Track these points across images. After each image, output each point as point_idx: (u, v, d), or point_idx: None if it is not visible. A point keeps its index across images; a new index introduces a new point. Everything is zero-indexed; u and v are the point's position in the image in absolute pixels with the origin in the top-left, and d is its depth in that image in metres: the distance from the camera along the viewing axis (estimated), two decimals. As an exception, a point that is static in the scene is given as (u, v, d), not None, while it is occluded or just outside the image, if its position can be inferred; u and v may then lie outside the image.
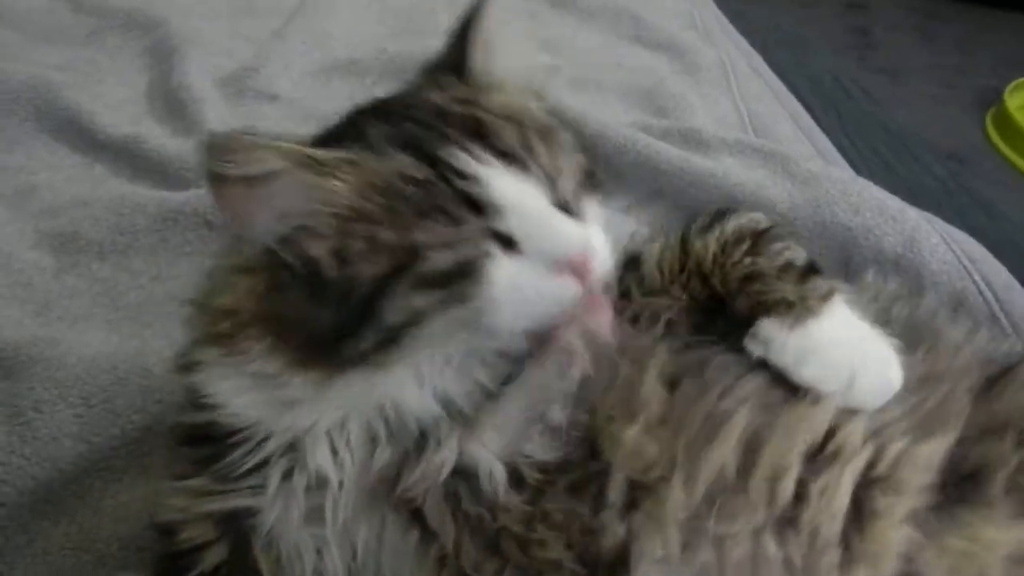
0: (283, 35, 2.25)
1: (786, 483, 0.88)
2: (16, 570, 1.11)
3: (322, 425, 0.91)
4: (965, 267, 1.42)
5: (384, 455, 0.90)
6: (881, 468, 0.90)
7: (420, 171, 0.85)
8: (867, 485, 0.90)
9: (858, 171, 1.88)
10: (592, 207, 0.93)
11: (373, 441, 0.91)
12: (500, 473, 0.89)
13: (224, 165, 0.82)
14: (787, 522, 0.88)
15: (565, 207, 0.89)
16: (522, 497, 0.89)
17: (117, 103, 1.98)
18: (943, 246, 1.44)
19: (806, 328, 0.91)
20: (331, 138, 0.95)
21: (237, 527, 0.93)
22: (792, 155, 1.68)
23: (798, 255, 0.98)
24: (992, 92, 4.17)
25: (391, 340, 0.85)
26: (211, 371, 0.94)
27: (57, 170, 1.78)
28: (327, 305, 0.85)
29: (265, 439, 0.91)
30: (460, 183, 0.84)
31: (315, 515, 0.91)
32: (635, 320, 0.98)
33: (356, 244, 0.84)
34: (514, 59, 1.02)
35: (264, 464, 0.92)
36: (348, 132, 0.94)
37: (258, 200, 0.85)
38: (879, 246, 1.44)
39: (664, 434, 0.89)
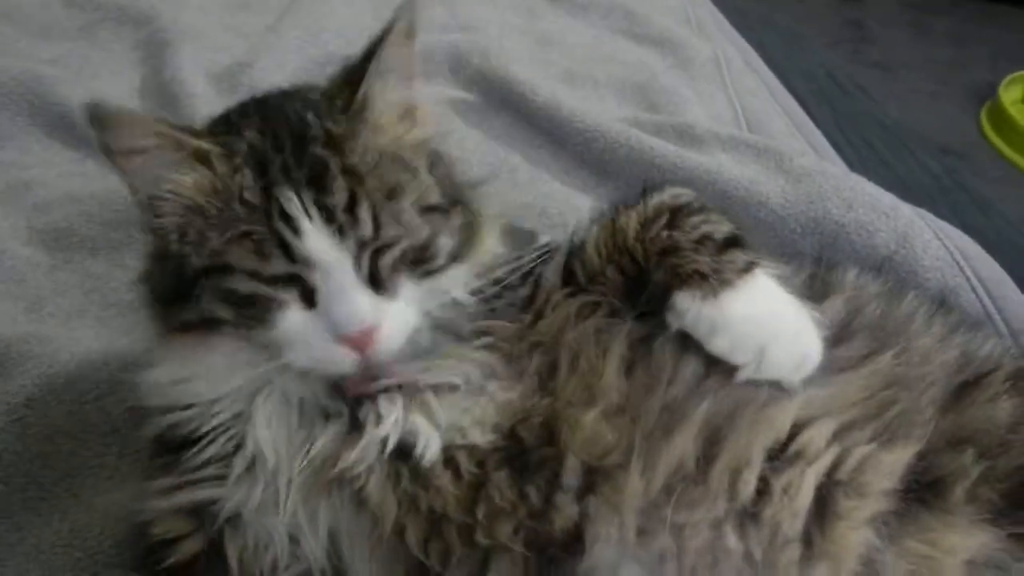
0: (277, 29, 2.24)
1: (747, 477, 0.89)
2: (7, 567, 1.10)
3: (233, 398, 0.98)
4: (958, 263, 1.42)
5: (320, 434, 0.95)
6: (844, 471, 0.91)
7: (255, 195, 0.89)
8: (830, 486, 0.91)
9: (852, 167, 1.89)
10: (407, 284, 0.94)
11: (299, 420, 0.97)
12: (434, 450, 0.92)
13: (107, 136, 0.91)
14: (748, 516, 0.89)
15: (374, 279, 0.91)
16: (458, 483, 0.91)
17: (111, 98, 1.94)
18: (936, 242, 1.44)
19: (718, 300, 0.92)
20: (221, 121, 1.01)
21: (210, 519, 0.97)
22: (786, 151, 1.68)
23: (717, 229, 0.98)
24: (987, 87, 4.17)
25: (210, 324, 0.93)
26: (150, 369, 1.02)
27: (50, 166, 1.77)
28: (169, 272, 0.94)
29: (208, 430, 0.97)
30: (280, 225, 0.88)
31: (271, 500, 0.95)
32: (595, 306, 1.00)
33: (191, 232, 0.92)
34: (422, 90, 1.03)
35: (221, 457, 0.97)
36: (235, 119, 1.00)
37: (133, 169, 0.93)
38: (872, 242, 1.45)
39: (622, 422, 0.91)
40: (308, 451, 0.94)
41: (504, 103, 1.95)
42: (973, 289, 1.41)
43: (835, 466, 0.91)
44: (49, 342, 1.33)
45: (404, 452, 0.92)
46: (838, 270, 1.14)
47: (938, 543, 0.90)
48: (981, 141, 4.00)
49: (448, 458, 0.92)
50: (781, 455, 0.91)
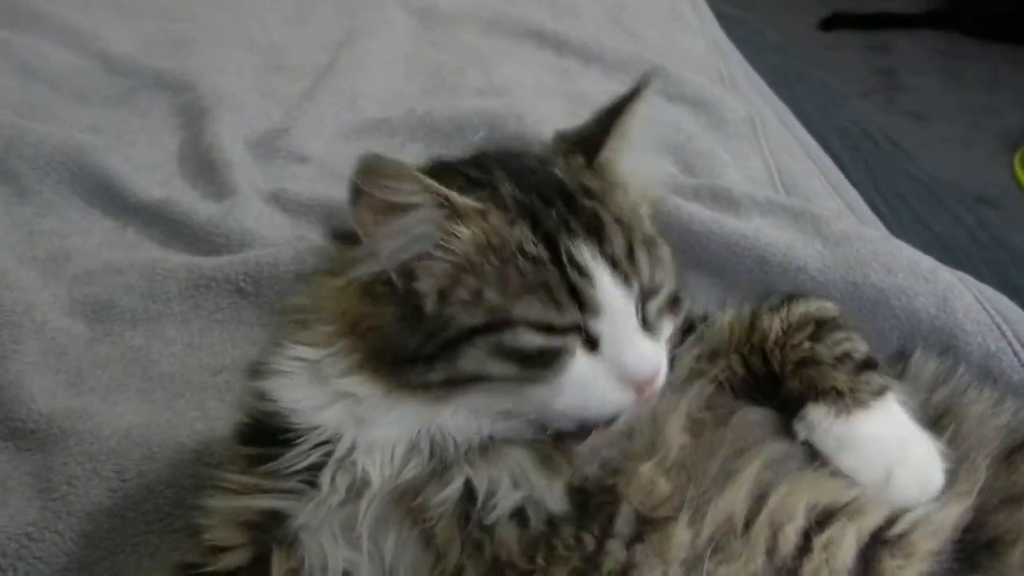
0: (313, 95, 2.26)
1: (788, 532, 0.88)
2: (51, 649, 1.11)
3: (379, 437, 0.95)
4: (999, 327, 1.40)
5: (413, 470, 0.94)
6: (894, 530, 0.90)
7: (538, 249, 0.89)
8: (875, 545, 0.89)
9: (888, 224, 1.88)
10: (668, 327, 0.98)
11: (409, 456, 0.95)
12: (507, 507, 0.91)
13: (370, 185, 0.88)
14: (787, 571, 0.87)
15: (648, 324, 0.93)
16: (524, 536, 0.90)
17: (149, 165, 2.00)
18: (976, 306, 1.42)
19: (852, 419, 0.94)
20: (460, 174, 0.99)
21: (265, 536, 0.96)
22: (823, 214, 1.67)
23: (858, 348, 1.00)
24: (1020, 132, 4.15)
25: (457, 382, 0.91)
26: (281, 374, 0.99)
27: (90, 234, 1.79)
28: (414, 331, 0.91)
29: (322, 443, 0.96)
30: (573, 273, 0.88)
31: (348, 524, 0.94)
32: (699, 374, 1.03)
33: (461, 292, 0.91)
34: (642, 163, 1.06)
35: (313, 468, 0.95)
36: (477, 176, 0.99)
37: (390, 224, 0.90)
38: (912, 307, 1.43)
39: (679, 477, 0.91)
40: (398, 477, 0.94)
41: (540, 167, 1.93)
42: (1016, 353, 1.38)
43: (884, 525, 0.90)
44: (90, 418, 1.33)
45: (474, 498, 0.92)
46: (917, 361, 1.16)
47: None
48: (1014, 187, 3.98)
49: (517, 510, 0.91)
50: (828, 511, 0.90)
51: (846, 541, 0.88)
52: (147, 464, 1.28)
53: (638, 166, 1.86)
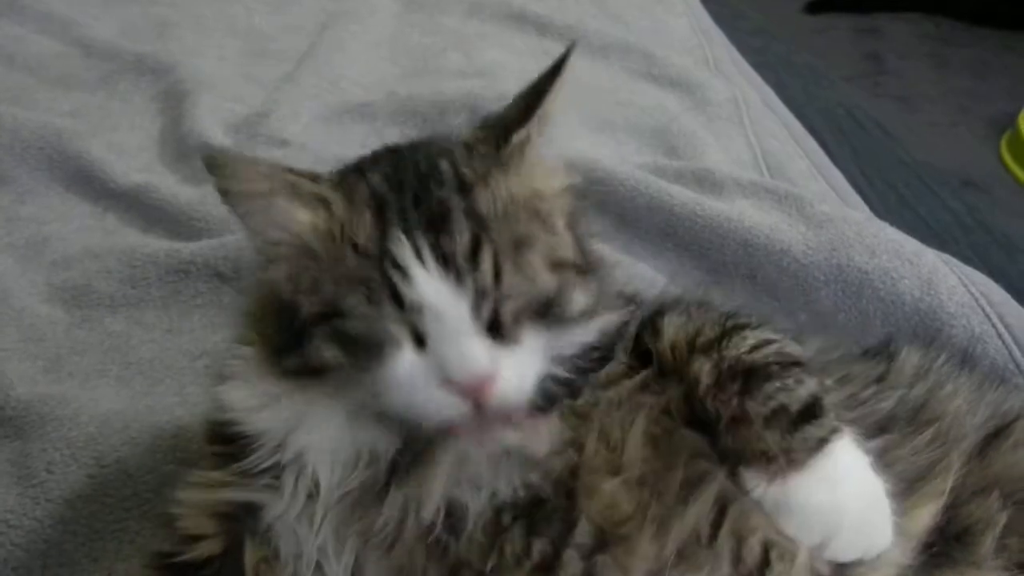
0: (294, 79, 2.25)
1: (752, 543, 0.88)
2: (29, 636, 1.10)
3: (315, 441, 0.95)
4: (983, 309, 1.41)
5: (359, 477, 0.93)
6: None
7: (370, 239, 0.87)
8: None
9: (873, 207, 1.88)
10: (531, 334, 0.89)
11: (357, 461, 0.94)
12: (477, 507, 0.90)
13: (223, 180, 0.90)
14: None
15: (494, 327, 0.87)
16: (485, 533, 0.90)
17: (129, 150, 1.98)
18: (961, 288, 1.43)
19: (786, 483, 0.88)
20: (351, 169, 0.98)
21: (236, 526, 0.96)
22: (807, 197, 1.67)
23: (793, 398, 0.90)
24: (1006, 117, 4.15)
25: (312, 372, 0.90)
26: (232, 382, 0.99)
27: (68, 220, 1.78)
28: (279, 320, 0.92)
29: (278, 445, 0.95)
30: (390, 269, 0.85)
31: (308, 519, 0.94)
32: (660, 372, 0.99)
33: (304, 279, 0.90)
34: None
35: (277, 467, 0.95)
36: (365, 165, 0.97)
37: (248, 214, 0.92)
38: (896, 289, 1.43)
39: (642, 494, 0.90)
40: (348, 486, 0.93)
41: (522, 151, 1.92)
42: (999, 336, 1.38)
43: None
44: (68, 403, 1.32)
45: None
46: (903, 359, 1.12)
47: None
48: (1001, 171, 3.97)
49: (451, 513, 0.91)
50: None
51: (803, 549, 0.89)
52: (126, 450, 1.27)
53: (587, 146, 1.88)
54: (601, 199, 1.76)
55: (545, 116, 0.96)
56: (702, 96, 2.22)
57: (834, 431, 0.89)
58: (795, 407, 0.89)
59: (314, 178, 0.92)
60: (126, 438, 1.28)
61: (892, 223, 1.59)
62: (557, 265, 0.91)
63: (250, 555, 0.95)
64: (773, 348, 0.94)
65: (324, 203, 0.89)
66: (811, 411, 0.90)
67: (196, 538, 0.97)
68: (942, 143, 4.00)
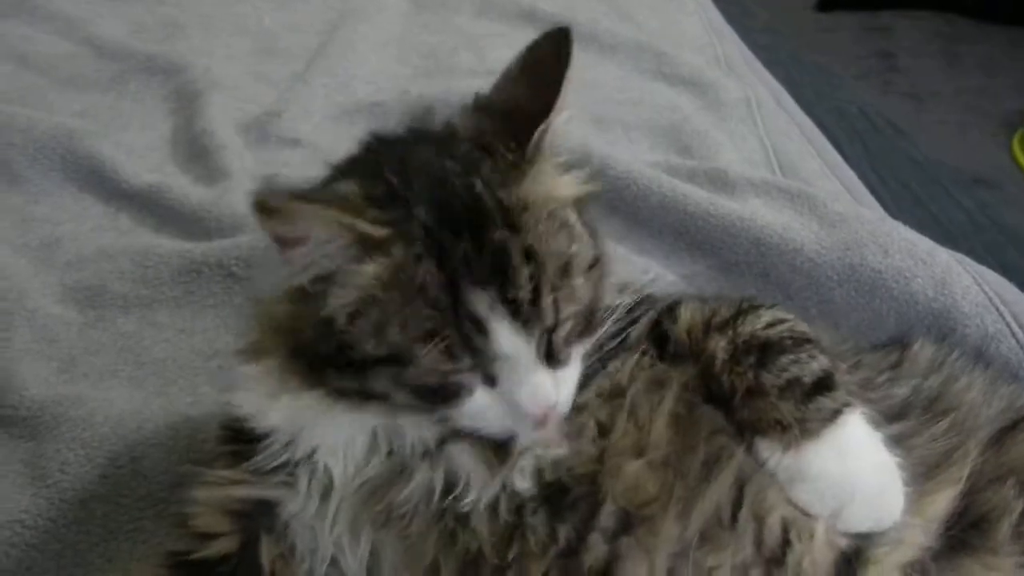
0: (305, 78, 2.25)
1: (771, 522, 0.89)
2: (45, 636, 1.10)
3: (330, 437, 0.96)
4: (998, 309, 1.40)
5: (374, 469, 0.95)
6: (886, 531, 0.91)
7: (439, 291, 0.84)
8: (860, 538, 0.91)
9: (886, 206, 1.87)
10: (578, 351, 0.93)
11: (370, 455, 0.96)
12: (484, 501, 0.92)
13: (274, 225, 0.85)
14: (774, 561, 0.89)
15: (552, 355, 0.89)
16: (495, 527, 0.91)
17: (141, 150, 1.99)
18: (975, 288, 1.42)
19: (800, 451, 0.91)
20: (382, 180, 0.91)
21: (252, 523, 0.97)
22: (820, 196, 1.66)
23: (808, 369, 0.94)
24: (1017, 115, 4.13)
25: (368, 397, 0.90)
26: (243, 386, 1.00)
27: (82, 221, 1.78)
28: (327, 339, 0.89)
29: (289, 443, 0.96)
30: (468, 326, 0.84)
31: (322, 514, 0.96)
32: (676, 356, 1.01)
33: (366, 321, 0.86)
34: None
35: (289, 464, 0.97)
36: (395, 186, 0.90)
37: (297, 250, 0.87)
38: (909, 289, 1.42)
39: (666, 474, 0.91)
40: (363, 477, 0.95)
41: (534, 150, 1.91)
42: (1014, 335, 1.38)
43: None
44: (83, 404, 1.32)
45: (450, 491, 0.93)
46: (916, 350, 1.14)
47: None
48: (1013, 169, 3.96)
49: (488, 503, 0.92)
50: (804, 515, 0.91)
51: (819, 530, 0.90)
52: (140, 450, 1.27)
53: (600, 145, 1.87)
54: (614, 198, 1.76)
55: (562, 109, 0.94)
56: (714, 95, 2.21)
57: (846, 404, 0.92)
58: (808, 379, 0.93)
59: (358, 209, 0.86)
60: (140, 438, 1.28)
61: (904, 222, 1.59)
62: (588, 272, 0.92)
63: (266, 552, 0.96)
64: (787, 325, 0.98)
65: (385, 248, 0.85)
66: (824, 383, 0.93)
67: (212, 536, 0.97)
68: (953, 141, 3.99)
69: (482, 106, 1.00)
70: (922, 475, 0.95)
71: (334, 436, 0.96)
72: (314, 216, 0.83)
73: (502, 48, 2.45)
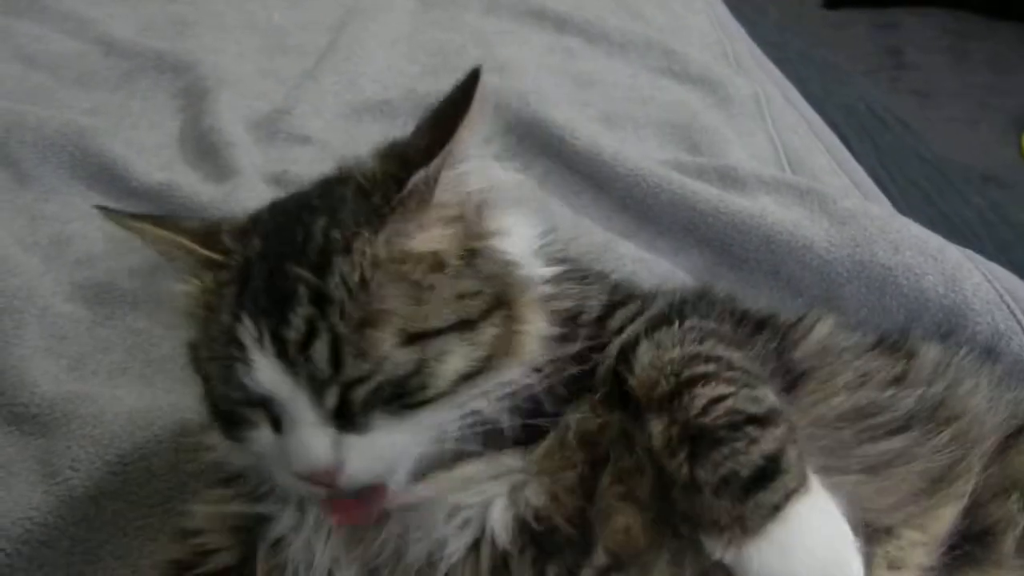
0: (314, 76, 2.25)
1: None
2: (55, 634, 1.10)
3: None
4: (1008, 306, 1.39)
5: None
6: (879, 551, 0.89)
7: (228, 316, 0.86)
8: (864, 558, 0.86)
9: (895, 203, 1.87)
10: (385, 418, 0.85)
11: None
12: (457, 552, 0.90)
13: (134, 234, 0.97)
14: None
15: (342, 413, 0.84)
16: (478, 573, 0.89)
17: (150, 148, 1.99)
18: (985, 285, 1.42)
19: (740, 551, 0.81)
20: (254, 218, 1.00)
21: (250, 538, 0.97)
22: (830, 193, 1.66)
23: (744, 463, 0.82)
24: (1026, 112, 4.13)
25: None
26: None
27: (91, 218, 1.77)
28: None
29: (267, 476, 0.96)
30: (238, 354, 0.84)
31: (313, 535, 0.95)
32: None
33: (195, 333, 0.93)
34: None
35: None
36: (261, 217, 0.99)
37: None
38: (920, 286, 1.42)
39: (656, 529, 0.88)
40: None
41: (544, 148, 1.93)
42: (1024, 332, 1.38)
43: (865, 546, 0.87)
44: (93, 401, 1.33)
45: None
46: (918, 357, 1.08)
47: None
48: (1022, 166, 3.96)
49: (470, 550, 0.90)
50: None
51: None
52: (150, 447, 1.27)
53: (608, 142, 1.86)
54: (623, 195, 1.76)
55: (450, 158, 0.88)
56: (723, 92, 2.20)
57: (792, 493, 0.82)
58: (747, 472, 0.82)
59: (209, 237, 0.93)
60: (150, 436, 1.28)
61: (914, 218, 1.59)
62: (418, 337, 0.85)
63: (261, 565, 0.96)
64: (726, 405, 0.85)
65: (203, 273, 0.92)
66: (765, 474, 0.82)
67: (212, 551, 0.98)
68: (962, 138, 3.99)
69: (386, 151, 0.96)
70: (924, 491, 0.93)
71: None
72: (149, 233, 0.95)
73: (511, 46, 2.45)
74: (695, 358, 0.89)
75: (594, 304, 1.01)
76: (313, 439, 0.83)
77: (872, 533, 0.89)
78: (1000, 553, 0.91)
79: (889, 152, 2.23)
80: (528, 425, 0.91)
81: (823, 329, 1.09)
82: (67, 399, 1.33)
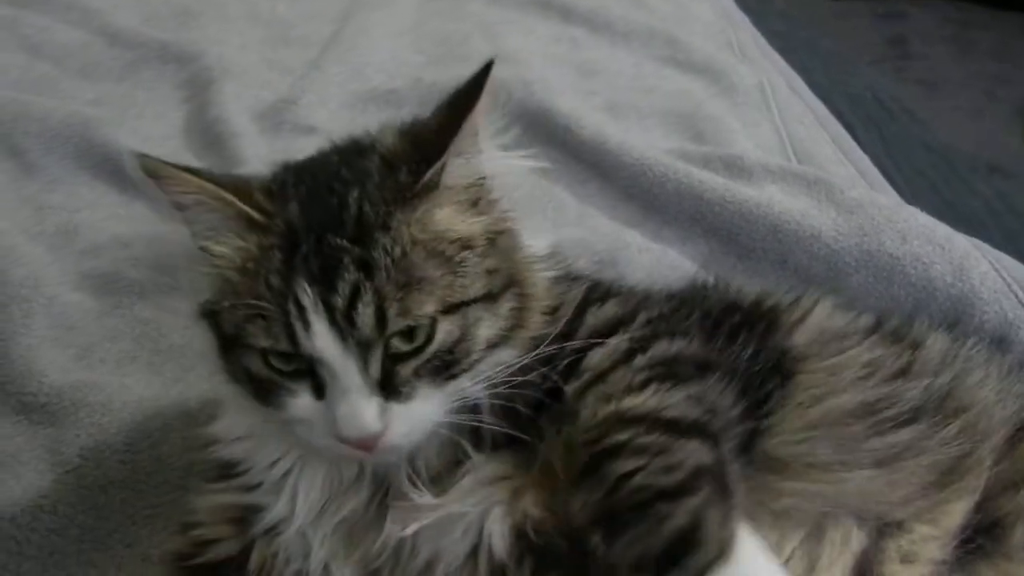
0: (319, 65, 2.25)
1: (786, 547, 0.88)
2: (65, 621, 1.11)
3: (297, 462, 0.99)
4: (1016, 295, 1.39)
5: (351, 504, 0.97)
6: (890, 547, 0.90)
7: (278, 280, 0.87)
8: (871, 555, 0.89)
9: (901, 192, 1.86)
10: (428, 388, 0.90)
11: (348, 490, 0.97)
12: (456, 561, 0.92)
13: (159, 186, 0.93)
14: None
15: (388, 384, 0.88)
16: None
17: (155, 138, 1.99)
18: (993, 274, 1.41)
19: None
20: (280, 177, 0.98)
21: (249, 528, 0.99)
22: (836, 182, 1.66)
23: (657, 538, 0.80)
24: (1031, 101, 4.12)
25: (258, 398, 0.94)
26: (221, 410, 1.06)
27: (97, 208, 1.79)
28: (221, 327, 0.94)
29: (265, 467, 0.99)
30: (295, 315, 0.85)
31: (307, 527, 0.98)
32: None
33: (222, 299, 0.92)
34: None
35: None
36: (291, 180, 0.96)
37: (185, 219, 0.95)
38: (928, 275, 1.42)
39: None
40: (339, 515, 0.96)
41: (550, 137, 1.93)
42: (1033, 322, 1.37)
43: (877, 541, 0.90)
44: (101, 390, 1.33)
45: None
46: (925, 348, 1.08)
47: None
48: (1027, 155, 3.95)
49: (468, 558, 0.92)
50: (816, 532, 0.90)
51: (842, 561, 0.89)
52: (158, 436, 1.28)
53: (614, 132, 1.86)
54: (629, 185, 1.77)
55: (461, 146, 0.92)
56: (728, 82, 2.20)
57: (709, 566, 0.79)
58: (657, 552, 0.80)
59: (245, 192, 0.92)
60: (158, 424, 1.29)
61: (920, 208, 1.59)
62: (457, 307, 0.90)
63: (257, 553, 0.98)
64: (634, 483, 0.83)
65: (238, 230, 0.91)
66: (678, 551, 0.79)
67: (212, 541, 0.99)
68: (967, 128, 3.97)
69: (406, 129, 0.99)
70: (934, 484, 0.93)
71: (300, 462, 0.99)
72: (187, 182, 0.91)
73: (515, 35, 2.45)
74: (619, 422, 0.87)
75: (576, 295, 1.05)
76: (364, 406, 0.86)
77: (884, 527, 0.90)
78: (1009, 545, 0.91)
79: (895, 142, 2.22)
80: (507, 433, 0.94)
81: (821, 312, 1.10)
82: (75, 388, 1.33)
